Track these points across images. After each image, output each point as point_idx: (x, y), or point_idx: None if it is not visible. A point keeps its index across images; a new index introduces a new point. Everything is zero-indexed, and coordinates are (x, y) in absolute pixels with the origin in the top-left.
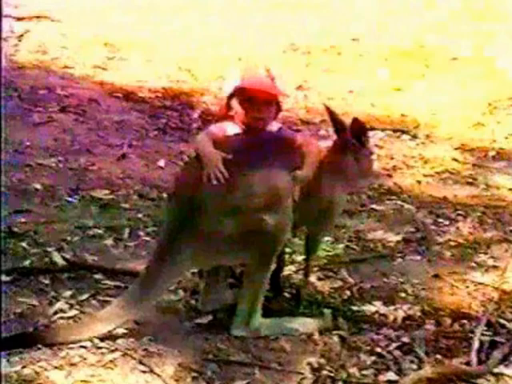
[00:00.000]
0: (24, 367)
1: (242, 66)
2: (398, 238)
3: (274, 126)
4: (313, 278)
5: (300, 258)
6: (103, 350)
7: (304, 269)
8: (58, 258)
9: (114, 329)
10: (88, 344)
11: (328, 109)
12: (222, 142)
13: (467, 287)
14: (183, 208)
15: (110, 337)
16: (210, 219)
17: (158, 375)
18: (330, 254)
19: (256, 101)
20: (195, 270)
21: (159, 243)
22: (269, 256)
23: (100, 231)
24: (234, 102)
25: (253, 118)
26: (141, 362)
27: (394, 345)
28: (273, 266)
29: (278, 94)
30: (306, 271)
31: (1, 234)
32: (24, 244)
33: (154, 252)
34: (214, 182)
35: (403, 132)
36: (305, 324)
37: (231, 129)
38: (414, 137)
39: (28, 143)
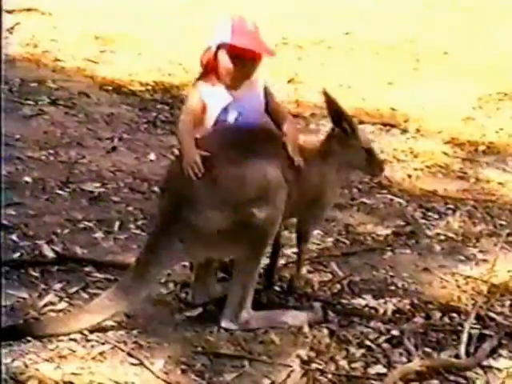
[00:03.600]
0: (13, 360)
1: (231, 19)
2: (388, 231)
3: (258, 86)
4: (303, 271)
5: (289, 251)
6: (93, 343)
7: (296, 261)
8: (48, 251)
9: (104, 320)
10: (77, 336)
11: (326, 95)
12: (210, 134)
13: (456, 280)
14: (174, 201)
15: (99, 329)
16: (200, 212)
17: (148, 368)
18: (319, 247)
19: (244, 59)
20: (186, 263)
21: (150, 235)
22: (259, 249)
23: (90, 224)
24: (221, 56)
25: (239, 75)
26: (130, 355)
27: (384, 338)
28: (265, 260)
29: (268, 54)
30: (298, 264)
31: (1, 232)
32: (14, 237)
33: (144, 244)
34: (194, 178)
35: (393, 126)
36: (294, 317)
37: (214, 91)
38: (404, 131)
39: (18, 136)
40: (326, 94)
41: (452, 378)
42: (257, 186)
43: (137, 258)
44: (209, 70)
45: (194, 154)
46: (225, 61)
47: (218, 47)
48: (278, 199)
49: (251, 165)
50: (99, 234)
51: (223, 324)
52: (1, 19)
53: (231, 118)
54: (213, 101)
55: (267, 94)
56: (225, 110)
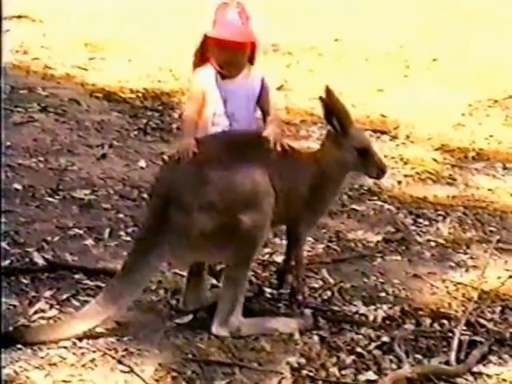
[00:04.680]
0: (3, 367)
1: (216, 8)
2: (379, 238)
3: (255, 78)
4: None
5: (279, 258)
6: (83, 350)
7: (294, 268)
8: (38, 258)
9: (95, 327)
10: (68, 344)
11: (328, 91)
12: (200, 140)
13: (447, 287)
14: (161, 202)
15: (90, 336)
16: (186, 215)
17: (138, 375)
18: (310, 253)
19: (225, 49)
20: (177, 270)
21: (136, 238)
22: (246, 255)
23: (80, 231)
24: (209, 46)
25: (224, 64)
26: (121, 362)
27: (374, 344)
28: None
29: (246, 41)
30: (296, 268)
31: (1, 234)
32: (4, 244)
33: (131, 247)
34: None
35: (383, 132)
36: (285, 324)
37: (208, 74)
38: (394, 137)
39: (8, 143)
40: (328, 91)
41: None
42: (244, 192)
43: (124, 262)
44: (201, 59)
45: (190, 144)
46: (212, 51)
47: (205, 37)
48: (265, 205)
49: (239, 170)
50: (89, 242)
51: (214, 331)
52: (0, 22)
53: (228, 107)
54: (210, 88)
55: (263, 86)
56: (222, 100)
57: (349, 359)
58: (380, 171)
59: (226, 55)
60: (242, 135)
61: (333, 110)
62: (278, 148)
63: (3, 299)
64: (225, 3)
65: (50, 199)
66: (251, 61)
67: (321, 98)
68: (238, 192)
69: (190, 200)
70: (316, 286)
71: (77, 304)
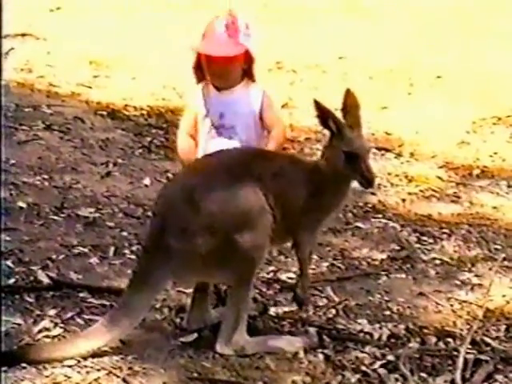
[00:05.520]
0: None
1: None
2: (383, 256)
3: (255, 92)
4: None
5: (284, 276)
6: (88, 369)
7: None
8: (42, 277)
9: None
10: (72, 362)
11: (317, 103)
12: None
13: (452, 305)
14: (160, 224)
15: (94, 355)
16: (182, 239)
17: None
18: (315, 271)
19: (213, 62)
20: (180, 288)
21: (138, 260)
22: (247, 274)
23: (85, 249)
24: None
25: (215, 76)
26: (125, 381)
27: (379, 363)
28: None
29: (230, 54)
30: (301, 275)
31: (1, 236)
32: (9, 262)
33: (134, 269)
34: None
35: (388, 150)
36: (290, 342)
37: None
38: (399, 155)
39: (13, 161)
40: (315, 102)
41: None
42: (238, 212)
43: (128, 283)
44: (199, 73)
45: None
46: (203, 64)
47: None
48: (260, 224)
49: (232, 190)
50: (94, 260)
51: (218, 349)
52: (1, 22)
53: (227, 120)
54: (198, 105)
55: (263, 101)
56: (219, 113)
57: (354, 378)
58: (365, 181)
59: (215, 68)
60: (236, 153)
61: (325, 111)
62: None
63: (7, 318)
64: (216, 16)
65: (55, 217)
66: (249, 75)
67: (314, 101)
68: (232, 213)
69: (185, 224)
70: (321, 304)
71: (81, 322)
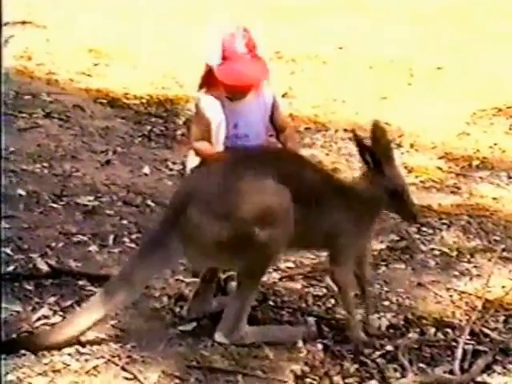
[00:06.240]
0: (7, 373)
1: (222, 40)
2: (382, 246)
3: (265, 97)
4: (297, 286)
5: (283, 265)
6: (86, 357)
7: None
8: (42, 264)
9: (94, 324)
10: (71, 350)
11: (357, 138)
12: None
13: (451, 296)
14: (184, 198)
15: (93, 343)
16: (204, 219)
17: (142, 382)
18: (314, 261)
19: (237, 86)
20: (179, 277)
21: (151, 232)
22: (259, 269)
23: (84, 237)
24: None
25: (235, 94)
26: (124, 369)
27: (378, 353)
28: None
29: (257, 82)
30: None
31: (0, 235)
32: (8, 250)
33: (144, 238)
34: None
35: None
36: (289, 332)
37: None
38: (399, 145)
39: (12, 149)
40: (355, 136)
41: None
42: (263, 206)
43: (134, 253)
44: (206, 83)
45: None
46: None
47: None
48: (283, 224)
49: (263, 184)
50: (93, 248)
51: (217, 338)
52: (1, 23)
53: (240, 129)
54: (215, 114)
55: (274, 104)
56: (232, 123)
57: (352, 368)
58: (411, 217)
59: (239, 89)
60: (274, 152)
61: (370, 146)
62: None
63: (6, 305)
64: (232, 35)
65: (54, 205)
66: None
67: (355, 135)
68: (258, 206)
69: (211, 203)
70: (320, 293)
71: None
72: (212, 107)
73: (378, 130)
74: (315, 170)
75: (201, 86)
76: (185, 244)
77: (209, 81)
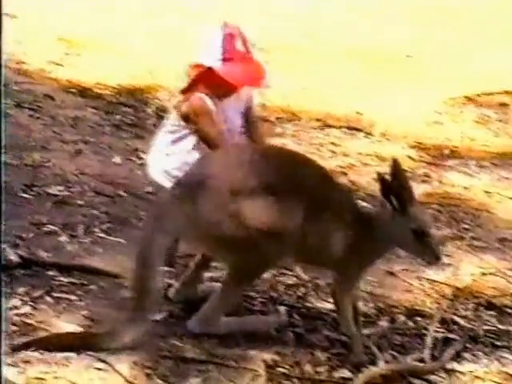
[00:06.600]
0: None
1: (222, 36)
2: None
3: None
4: (268, 275)
5: None
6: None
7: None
8: (12, 255)
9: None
10: None
11: (396, 164)
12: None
13: (421, 284)
14: (193, 184)
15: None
16: (213, 209)
17: (113, 372)
18: None
19: (236, 87)
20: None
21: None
22: (250, 274)
23: (55, 228)
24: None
25: (226, 93)
26: (95, 359)
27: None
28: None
29: (257, 85)
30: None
31: (1, 233)
32: None
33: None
34: None
35: (359, 130)
36: (261, 321)
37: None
38: (370, 135)
39: None
40: (379, 175)
41: (416, 381)
42: (270, 217)
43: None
44: (197, 83)
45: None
46: (213, 81)
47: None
48: (287, 237)
49: (279, 199)
50: (64, 238)
51: (191, 326)
52: (1, 22)
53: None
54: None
55: (253, 96)
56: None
57: (323, 356)
58: (434, 257)
59: (235, 89)
60: (301, 160)
61: (394, 186)
62: None
63: None
64: (230, 35)
65: (25, 195)
66: None
67: (379, 174)
68: (267, 215)
69: (221, 199)
70: (290, 282)
71: (51, 301)
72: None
73: (398, 169)
74: (340, 191)
75: (189, 88)
76: (187, 226)
77: (203, 81)
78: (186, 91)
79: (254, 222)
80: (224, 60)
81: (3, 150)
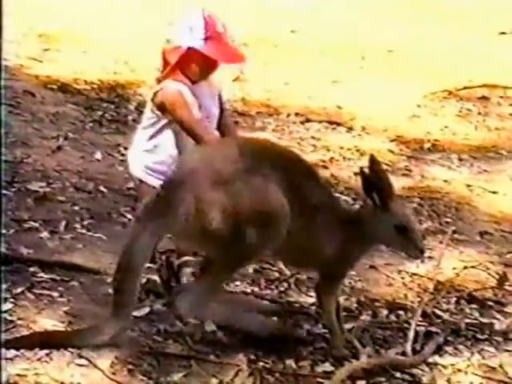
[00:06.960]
0: None
1: (203, 18)
2: None
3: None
4: (249, 270)
5: None
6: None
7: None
8: None
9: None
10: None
11: (373, 160)
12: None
13: (403, 278)
14: (177, 182)
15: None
16: (198, 202)
17: (94, 368)
18: None
19: (214, 65)
20: None
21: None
22: (235, 264)
23: (36, 224)
24: (192, 58)
25: (205, 74)
26: (77, 356)
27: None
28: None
29: (239, 61)
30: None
31: (1, 232)
32: None
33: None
34: None
35: (339, 124)
36: (258, 322)
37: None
38: (350, 129)
39: None
40: (372, 158)
41: (398, 375)
42: (258, 207)
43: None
44: (175, 68)
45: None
46: (194, 62)
47: (189, 48)
48: (274, 228)
49: (263, 185)
50: (45, 234)
51: (181, 310)
52: (1, 22)
53: (203, 111)
54: (191, 99)
55: (219, 90)
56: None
57: (306, 351)
58: (418, 251)
59: (213, 69)
60: (288, 155)
61: (375, 182)
62: None
63: None
64: (209, 16)
65: (5, 192)
66: None
67: (362, 169)
68: (255, 206)
69: (207, 192)
70: (272, 277)
71: (32, 297)
72: (187, 94)
73: (376, 166)
74: (324, 188)
75: (166, 74)
76: (173, 222)
77: (180, 64)
78: (163, 78)
79: (242, 212)
80: (206, 39)
81: None
